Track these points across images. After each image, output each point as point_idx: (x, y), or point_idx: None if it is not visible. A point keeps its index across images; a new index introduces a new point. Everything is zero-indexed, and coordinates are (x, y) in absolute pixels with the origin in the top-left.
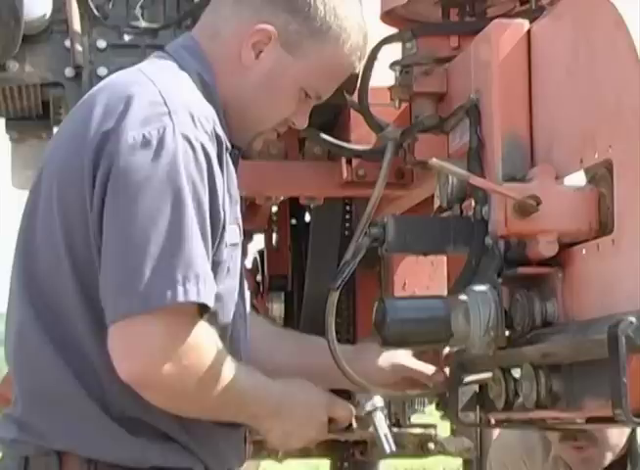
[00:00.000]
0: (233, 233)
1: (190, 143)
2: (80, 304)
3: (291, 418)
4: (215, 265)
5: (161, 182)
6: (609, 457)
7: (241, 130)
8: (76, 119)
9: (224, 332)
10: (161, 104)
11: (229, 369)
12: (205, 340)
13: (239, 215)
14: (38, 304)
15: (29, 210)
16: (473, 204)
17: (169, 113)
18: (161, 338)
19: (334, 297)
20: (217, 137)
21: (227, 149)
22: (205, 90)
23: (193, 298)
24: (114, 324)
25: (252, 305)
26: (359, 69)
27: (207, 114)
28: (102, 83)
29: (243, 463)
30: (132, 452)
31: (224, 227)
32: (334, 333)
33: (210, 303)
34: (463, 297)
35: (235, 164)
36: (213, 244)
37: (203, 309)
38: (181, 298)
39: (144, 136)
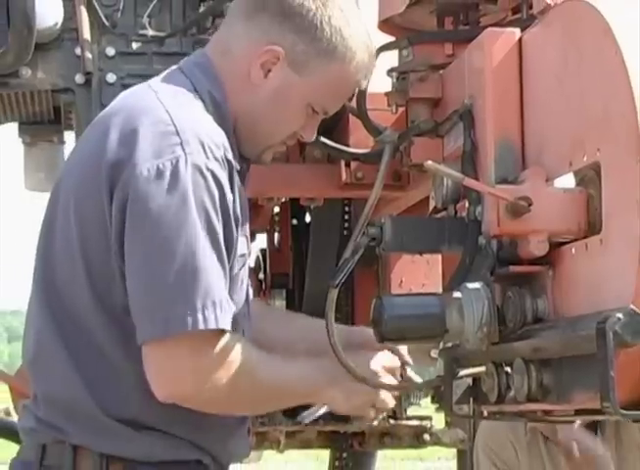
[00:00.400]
0: (242, 245)
1: (201, 173)
2: (96, 313)
3: (343, 381)
4: (230, 280)
5: (176, 214)
6: None
7: (251, 144)
8: (92, 140)
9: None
10: (174, 134)
11: (261, 369)
12: (229, 353)
13: (247, 227)
14: (56, 311)
15: (48, 217)
16: (467, 205)
17: (181, 143)
18: (188, 360)
19: (333, 293)
20: (228, 162)
21: (237, 170)
22: (216, 109)
23: (212, 325)
24: (144, 346)
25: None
26: (365, 85)
27: (218, 140)
28: (117, 104)
29: (248, 454)
30: (141, 448)
31: (236, 244)
32: (334, 328)
33: (228, 326)
34: (457, 294)
35: (243, 178)
36: (228, 263)
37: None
38: (201, 325)
39: (158, 168)
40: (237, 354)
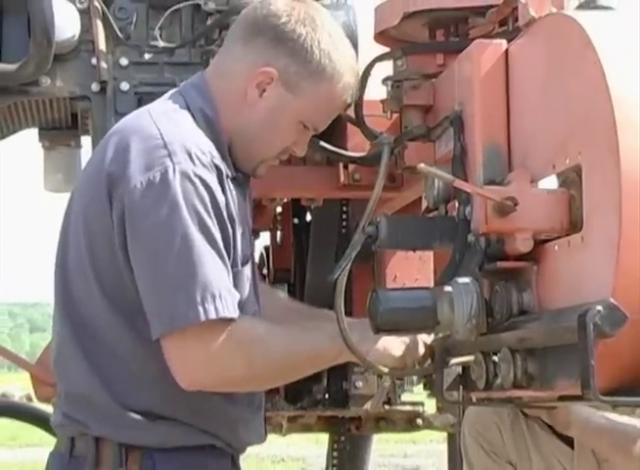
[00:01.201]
0: (244, 245)
1: (190, 179)
2: (109, 317)
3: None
4: (234, 277)
5: (168, 220)
6: None
7: (246, 159)
8: (95, 160)
9: None
10: (162, 147)
11: (274, 343)
12: (237, 337)
13: (248, 229)
14: (72, 316)
15: (64, 227)
16: (457, 205)
17: (169, 154)
18: (197, 350)
19: (341, 284)
20: (216, 167)
21: (228, 176)
22: (207, 125)
23: (212, 316)
24: (161, 342)
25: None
26: (352, 103)
27: (204, 147)
28: (119, 125)
29: (264, 440)
30: (156, 437)
31: (235, 242)
32: (343, 314)
33: (231, 314)
34: (448, 288)
35: (242, 186)
36: (229, 259)
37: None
38: (202, 317)
39: (149, 179)
40: (246, 336)
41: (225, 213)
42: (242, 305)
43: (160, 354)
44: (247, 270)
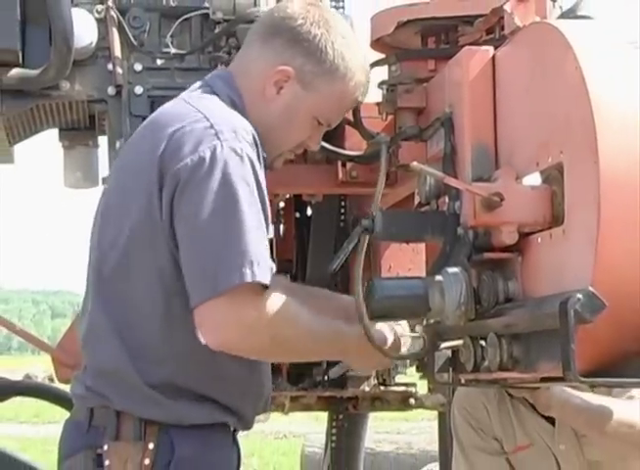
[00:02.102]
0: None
1: (237, 153)
2: (144, 297)
3: (366, 347)
4: None
5: (218, 190)
6: None
7: (264, 151)
8: (143, 147)
9: None
10: (209, 127)
11: (303, 321)
12: (269, 304)
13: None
14: (107, 297)
15: (100, 219)
16: (447, 200)
17: (216, 134)
18: (231, 312)
19: (359, 268)
20: (256, 144)
21: (263, 156)
22: (236, 111)
23: (248, 279)
24: (197, 308)
25: None
26: (363, 100)
27: (246, 126)
28: (158, 116)
29: (267, 409)
30: (173, 414)
31: (268, 214)
32: (361, 297)
33: (265, 280)
34: (439, 277)
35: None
36: (266, 227)
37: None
38: (240, 280)
39: (199, 156)
40: (278, 306)
41: (264, 188)
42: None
43: (186, 331)
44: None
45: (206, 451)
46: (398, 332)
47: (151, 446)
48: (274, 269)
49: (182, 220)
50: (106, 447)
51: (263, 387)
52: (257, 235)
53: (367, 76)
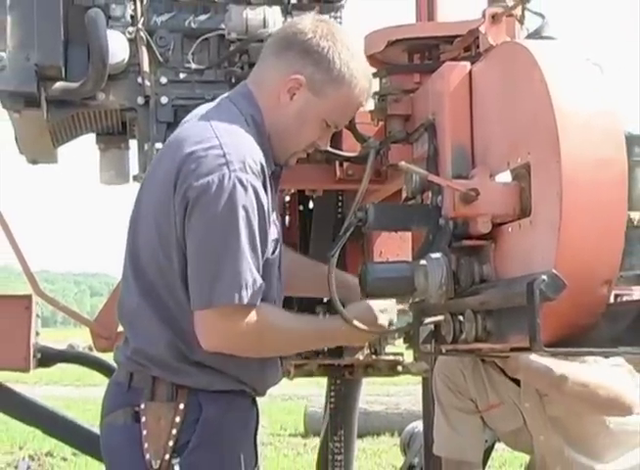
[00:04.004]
0: (273, 232)
1: (242, 184)
2: (177, 289)
3: (352, 330)
4: (268, 263)
5: (221, 216)
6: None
7: (280, 151)
8: (165, 162)
9: (266, 293)
10: (221, 156)
11: (285, 328)
12: (253, 319)
13: (276, 215)
14: (143, 285)
15: (135, 216)
16: (430, 195)
17: (227, 163)
18: (220, 324)
19: (333, 261)
20: (263, 172)
21: (270, 173)
22: (256, 128)
23: (236, 302)
24: (195, 313)
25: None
26: (367, 104)
27: (255, 156)
28: (183, 132)
29: (279, 381)
30: (202, 381)
31: (267, 236)
32: (334, 286)
33: (254, 302)
34: (423, 262)
35: (277, 178)
36: (263, 253)
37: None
38: (232, 301)
39: (208, 182)
40: (264, 315)
41: (266, 214)
42: (267, 291)
43: None
44: (275, 257)
45: (229, 412)
46: (388, 308)
47: (181, 406)
48: (263, 287)
49: (190, 235)
50: (142, 406)
51: (277, 365)
52: (251, 259)
53: (370, 83)
